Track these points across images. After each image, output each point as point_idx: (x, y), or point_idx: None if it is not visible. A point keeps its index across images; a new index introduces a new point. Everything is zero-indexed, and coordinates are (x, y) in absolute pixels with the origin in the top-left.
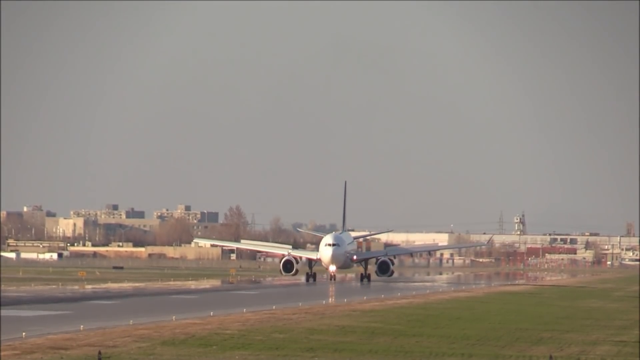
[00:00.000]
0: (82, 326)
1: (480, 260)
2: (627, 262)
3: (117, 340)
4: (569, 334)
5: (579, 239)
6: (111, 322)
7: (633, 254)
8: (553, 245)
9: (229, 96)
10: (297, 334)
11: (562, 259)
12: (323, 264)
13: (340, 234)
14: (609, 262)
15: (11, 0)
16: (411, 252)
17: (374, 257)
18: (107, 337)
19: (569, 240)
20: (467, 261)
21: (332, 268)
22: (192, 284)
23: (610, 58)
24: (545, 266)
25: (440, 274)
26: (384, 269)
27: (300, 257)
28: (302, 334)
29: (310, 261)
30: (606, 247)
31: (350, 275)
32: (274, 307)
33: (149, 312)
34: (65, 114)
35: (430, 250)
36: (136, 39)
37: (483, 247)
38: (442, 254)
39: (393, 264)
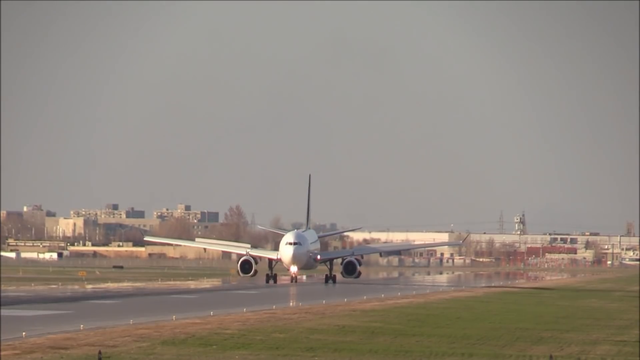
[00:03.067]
0: (82, 326)
1: (481, 259)
2: (627, 261)
3: (117, 339)
4: (569, 333)
5: (579, 238)
6: (111, 321)
7: (633, 253)
8: (553, 245)
9: (229, 96)
10: (297, 334)
11: (562, 259)
12: (284, 264)
13: (303, 231)
14: (609, 262)
15: (11, 0)
16: (380, 252)
17: (340, 257)
18: (107, 336)
19: (569, 240)
20: (467, 261)
21: (294, 269)
22: (192, 284)
23: (610, 58)
24: (546, 266)
25: (441, 273)
26: (350, 269)
27: (260, 257)
28: (302, 334)
29: (270, 261)
30: (606, 246)
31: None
32: (274, 306)
33: (149, 312)
34: (66, 114)
35: (401, 250)
36: (136, 39)
37: (461, 245)
38: (442, 254)
39: (360, 264)
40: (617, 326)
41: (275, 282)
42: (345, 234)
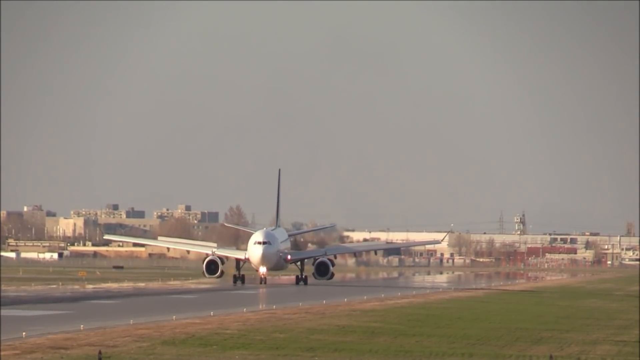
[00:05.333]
0: (82, 326)
1: (481, 260)
2: (627, 261)
3: (118, 339)
4: (569, 333)
5: (579, 238)
6: (111, 321)
7: (633, 253)
8: (553, 245)
9: (229, 95)
10: (297, 334)
11: (562, 259)
12: (252, 264)
13: (273, 230)
14: (609, 262)
15: (11, 0)
16: (354, 252)
17: (311, 257)
18: (107, 336)
19: (569, 240)
20: (467, 261)
21: (263, 269)
22: (192, 284)
23: (610, 58)
24: (546, 266)
25: (441, 273)
26: (322, 270)
27: (227, 257)
28: (302, 334)
29: (238, 261)
30: (606, 247)
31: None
32: (274, 306)
33: (149, 312)
34: (66, 114)
35: (375, 250)
36: (136, 39)
37: (439, 243)
38: (442, 254)
39: (333, 264)
40: (617, 326)
41: (243, 283)
42: (345, 233)
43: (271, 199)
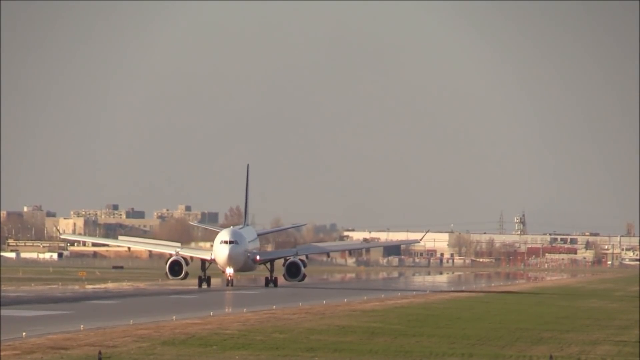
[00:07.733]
0: (82, 326)
1: (481, 260)
2: (627, 262)
3: (117, 340)
4: (569, 333)
5: (579, 238)
6: (111, 322)
7: (633, 254)
8: (553, 245)
9: (229, 95)
10: (297, 334)
11: (563, 259)
12: (219, 265)
13: (241, 228)
14: (609, 262)
15: (11, 0)
16: (328, 251)
17: (281, 258)
18: (107, 337)
19: (569, 240)
20: (468, 261)
21: (230, 270)
22: (191, 284)
23: (610, 58)
24: (546, 266)
25: (441, 273)
26: (293, 271)
27: (191, 257)
28: (302, 334)
29: (203, 262)
30: (606, 247)
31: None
32: (274, 307)
33: (149, 312)
34: (66, 114)
35: (350, 249)
36: (137, 40)
37: (418, 242)
38: (442, 254)
39: (305, 265)
40: (617, 326)
41: (208, 285)
42: (345, 233)
43: (271, 199)
